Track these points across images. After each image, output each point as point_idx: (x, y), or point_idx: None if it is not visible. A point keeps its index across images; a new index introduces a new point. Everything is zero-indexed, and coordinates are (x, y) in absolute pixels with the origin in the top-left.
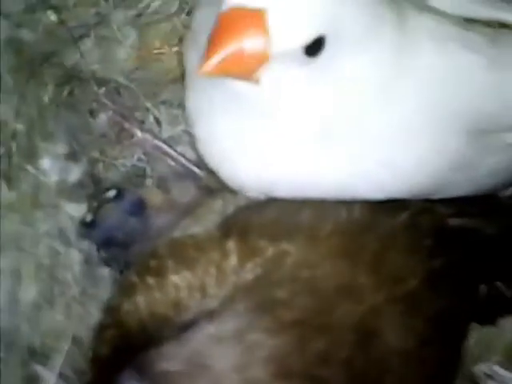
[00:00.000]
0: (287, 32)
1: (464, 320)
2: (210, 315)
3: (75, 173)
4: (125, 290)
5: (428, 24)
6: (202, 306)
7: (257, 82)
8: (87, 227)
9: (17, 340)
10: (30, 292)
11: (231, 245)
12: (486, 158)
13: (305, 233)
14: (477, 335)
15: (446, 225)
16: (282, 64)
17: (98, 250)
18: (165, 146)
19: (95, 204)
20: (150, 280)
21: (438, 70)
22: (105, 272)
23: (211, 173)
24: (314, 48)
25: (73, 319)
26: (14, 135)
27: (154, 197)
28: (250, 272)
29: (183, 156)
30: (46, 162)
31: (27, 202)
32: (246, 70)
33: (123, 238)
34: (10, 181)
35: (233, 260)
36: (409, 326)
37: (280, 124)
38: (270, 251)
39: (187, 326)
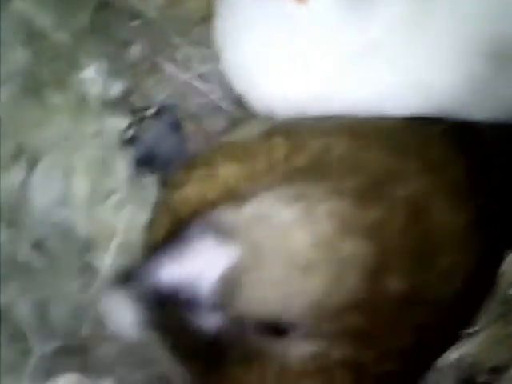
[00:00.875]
0: None
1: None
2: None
3: (116, 89)
4: (175, 184)
5: None
6: (252, 192)
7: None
8: (128, 143)
9: (72, 232)
10: (82, 188)
11: (278, 140)
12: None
13: (348, 130)
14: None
15: (484, 138)
16: None
17: (139, 166)
18: (195, 82)
19: (136, 119)
20: (200, 172)
21: None
22: (149, 179)
23: (239, 106)
24: None
25: (123, 216)
26: (58, 46)
27: (187, 126)
28: (297, 162)
29: (212, 91)
30: (90, 73)
31: (75, 106)
32: None
33: (162, 156)
34: (58, 87)
35: (280, 152)
36: (456, 210)
37: (319, 44)
38: (316, 144)
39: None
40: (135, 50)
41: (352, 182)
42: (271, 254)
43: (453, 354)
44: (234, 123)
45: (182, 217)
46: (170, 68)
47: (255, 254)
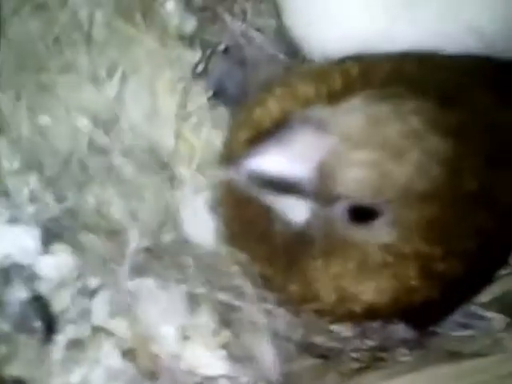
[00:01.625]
0: None
1: None
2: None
3: (190, 25)
4: (255, 102)
5: None
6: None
7: None
8: (200, 76)
9: (158, 145)
10: (167, 106)
11: (351, 64)
12: None
13: (416, 57)
14: None
15: None
16: None
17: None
18: (252, 32)
19: (206, 53)
20: (279, 91)
21: None
22: (222, 108)
23: (294, 58)
24: None
25: (201, 136)
26: None
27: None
28: (372, 79)
29: (268, 43)
30: (170, 6)
31: (158, 32)
32: None
33: (231, 89)
34: (145, 13)
35: (354, 72)
36: None
37: None
38: (388, 65)
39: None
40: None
41: (433, 89)
42: (364, 141)
43: (495, 289)
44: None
45: (263, 128)
46: (228, 18)
47: (350, 142)
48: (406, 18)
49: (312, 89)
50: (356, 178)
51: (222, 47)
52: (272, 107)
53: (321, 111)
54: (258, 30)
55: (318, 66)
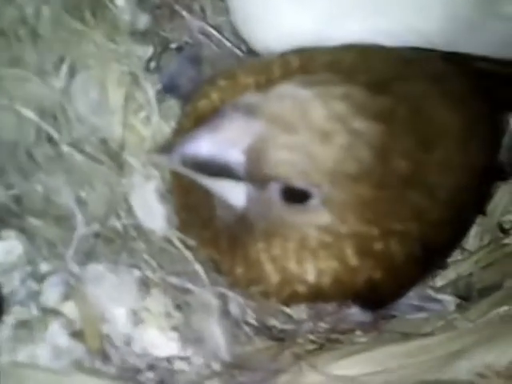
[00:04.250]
0: None
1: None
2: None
3: (143, 20)
4: (200, 94)
5: None
6: None
7: None
8: (153, 72)
9: (108, 136)
10: (116, 98)
11: (292, 56)
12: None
13: (355, 48)
14: (500, 193)
15: (476, 64)
16: None
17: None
18: (210, 29)
19: (159, 51)
20: (222, 82)
21: None
22: (173, 101)
23: (251, 54)
24: None
25: (151, 127)
26: None
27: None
28: (310, 70)
29: (226, 39)
30: (121, 2)
31: (108, 27)
32: None
33: (183, 87)
34: (95, 7)
35: (295, 64)
36: (452, 113)
37: None
38: (327, 57)
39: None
40: None
41: (363, 76)
42: (293, 124)
43: (450, 273)
44: None
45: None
46: (187, 16)
47: (278, 125)
48: (346, 17)
49: (252, 80)
50: (283, 160)
51: (174, 45)
52: (215, 98)
53: (251, 97)
54: (217, 27)
55: (260, 58)
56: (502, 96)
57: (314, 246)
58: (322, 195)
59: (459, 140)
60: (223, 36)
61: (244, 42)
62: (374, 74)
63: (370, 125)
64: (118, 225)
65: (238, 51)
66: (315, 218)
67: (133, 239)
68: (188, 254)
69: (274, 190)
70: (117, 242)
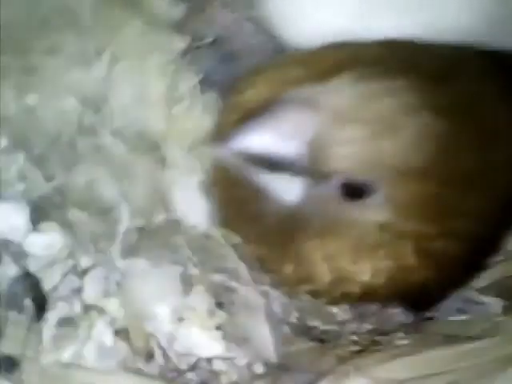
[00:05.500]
0: None
1: None
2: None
3: (179, 11)
4: (244, 84)
5: None
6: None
7: None
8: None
9: (148, 127)
10: (157, 88)
11: (339, 47)
12: None
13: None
14: None
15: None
16: None
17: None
18: (244, 22)
19: (193, 46)
20: (269, 74)
21: None
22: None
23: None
24: None
25: (191, 119)
26: None
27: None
28: (363, 59)
29: (259, 32)
30: None
31: (147, 18)
32: None
33: (220, 81)
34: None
35: (344, 54)
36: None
37: None
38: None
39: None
40: None
41: (424, 69)
42: (355, 117)
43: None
44: None
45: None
46: (221, 6)
47: (341, 118)
48: (380, 12)
49: (302, 70)
50: (347, 154)
51: (209, 39)
52: (262, 89)
53: (310, 90)
54: (249, 19)
55: (306, 50)
56: None
57: (371, 245)
58: (384, 191)
59: None
60: (256, 29)
61: (275, 36)
62: (427, 68)
63: (438, 118)
64: (159, 219)
65: (270, 45)
66: (375, 215)
67: (174, 234)
68: (231, 250)
69: (333, 185)
70: (158, 237)
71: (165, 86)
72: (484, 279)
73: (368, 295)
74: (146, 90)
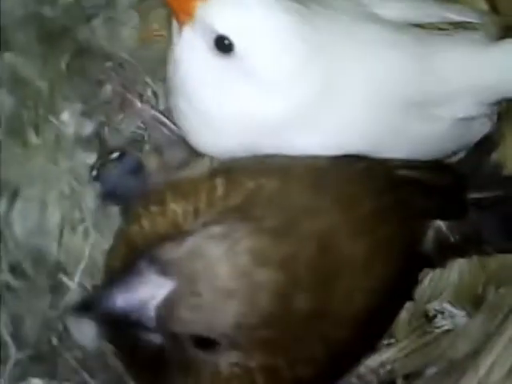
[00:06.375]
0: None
1: (413, 252)
2: (203, 225)
3: (88, 128)
4: (132, 217)
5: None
6: (195, 224)
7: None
8: (93, 180)
9: (45, 256)
10: (55, 217)
11: (218, 181)
12: (420, 126)
13: (279, 171)
14: (429, 277)
15: (395, 173)
16: (199, 35)
17: (104, 200)
18: (161, 116)
19: (100, 162)
20: (153, 208)
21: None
22: (114, 208)
23: None
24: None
25: (89, 242)
26: (39, 92)
27: (150, 160)
28: (234, 199)
29: (175, 125)
30: (65, 116)
31: (51, 146)
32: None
33: (123, 194)
34: (37, 129)
35: (220, 191)
36: (357, 242)
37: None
38: (251, 185)
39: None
40: (107, 89)
41: (272, 220)
42: (202, 284)
43: (373, 361)
44: (192, 156)
45: (137, 247)
46: (138, 103)
47: (189, 284)
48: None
49: (180, 207)
50: (190, 319)
51: (115, 155)
52: (145, 225)
53: (167, 251)
54: (168, 112)
55: (191, 178)
56: (422, 204)
57: (225, 378)
58: (228, 342)
59: (363, 267)
60: (172, 122)
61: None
62: (284, 211)
63: (272, 274)
64: (52, 343)
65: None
66: (223, 358)
67: (67, 354)
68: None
69: (183, 339)
70: (51, 357)
71: (63, 214)
72: (365, 366)
73: None
74: (44, 220)
